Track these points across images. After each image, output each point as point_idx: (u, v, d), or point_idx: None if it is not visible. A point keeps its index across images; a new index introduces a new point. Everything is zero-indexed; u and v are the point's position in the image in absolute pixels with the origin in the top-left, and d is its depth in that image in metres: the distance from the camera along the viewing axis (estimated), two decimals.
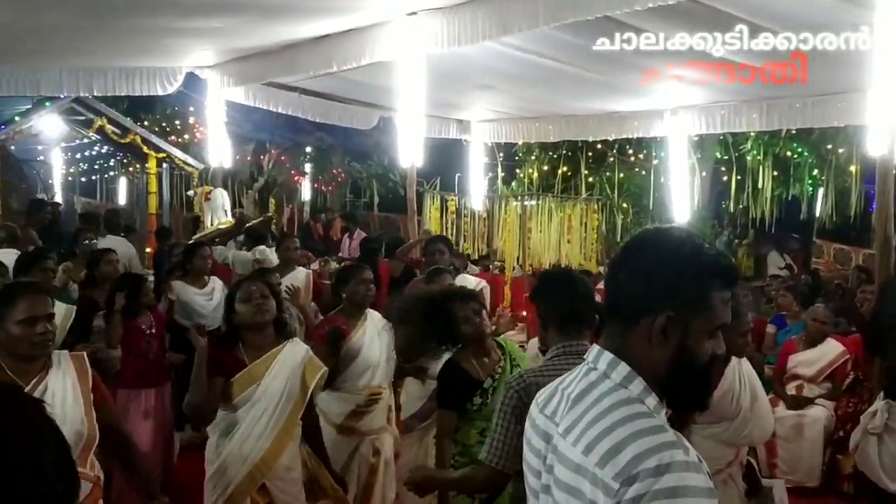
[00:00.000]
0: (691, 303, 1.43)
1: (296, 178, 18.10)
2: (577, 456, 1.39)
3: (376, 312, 4.56)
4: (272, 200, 17.27)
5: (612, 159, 12.88)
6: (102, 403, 2.92)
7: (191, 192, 10.88)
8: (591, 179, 12.97)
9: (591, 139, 10.08)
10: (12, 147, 12.69)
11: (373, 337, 4.37)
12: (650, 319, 1.42)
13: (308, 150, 17.64)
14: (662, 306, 1.41)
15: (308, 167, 18.78)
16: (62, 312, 4.48)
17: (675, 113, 7.74)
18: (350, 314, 4.39)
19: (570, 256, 9.34)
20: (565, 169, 13.08)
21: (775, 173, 11.84)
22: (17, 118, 11.56)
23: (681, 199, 8.31)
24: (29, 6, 5.38)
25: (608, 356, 1.46)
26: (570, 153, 12.96)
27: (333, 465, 4.02)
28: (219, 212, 8.36)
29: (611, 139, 10.67)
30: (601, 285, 7.00)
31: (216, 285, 6.12)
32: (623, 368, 1.43)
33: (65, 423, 2.59)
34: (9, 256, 5.83)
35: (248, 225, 8.90)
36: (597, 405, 1.41)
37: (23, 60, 7.01)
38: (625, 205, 13.04)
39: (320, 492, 3.77)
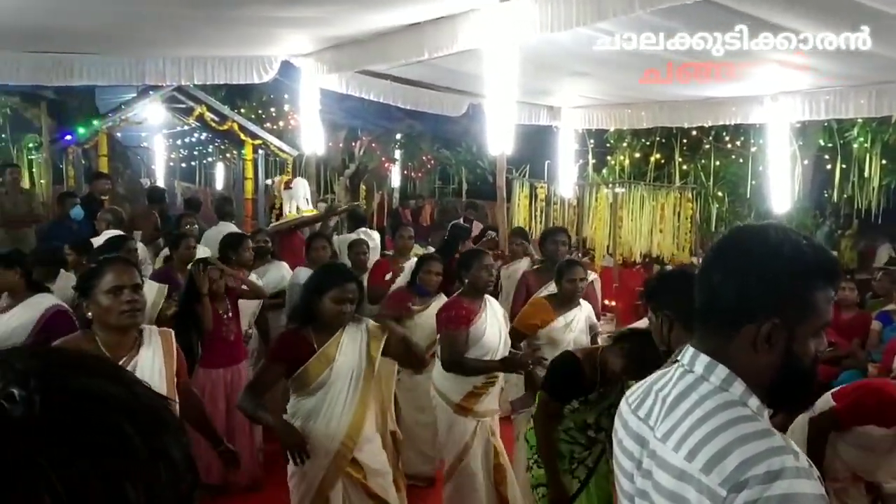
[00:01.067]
0: (796, 308, 1.37)
1: (386, 165, 18.28)
2: (679, 462, 1.35)
3: (494, 299, 4.76)
4: (363, 187, 17.50)
5: (707, 146, 12.49)
6: (181, 374, 3.14)
7: (269, 181, 11.12)
8: (685, 167, 12.61)
9: (685, 126, 9.81)
10: (118, 134, 13.26)
11: (493, 322, 4.49)
12: (754, 327, 1.37)
13: (398, 136, 17.79)
14: (766, 313, 1.36)
15: (397, 154, 18.95)
16: (154, 290, 4.71)
17: (776, 99, 7.43)
18: (472, 298, 4.50)
19: (662, 246, 9.13)
20: (658, 156, 12.75)
21: (884, 161, 11.23)
22: (122, 106, 12.08)
23: (780, 189, 7.99)
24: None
25: (705, 359, 1.42)
26: (663, 140, 12.63)
27: (453, 446, 4.34)
28: (300, 200, 8.51)
29: (707, 126, 10.34)
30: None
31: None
32: (721, 371, 1.39)
33: None
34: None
35: (341, 210, 9.09)
36: (697, 409, 1.37)
37: (129, 51, 7.31)
38: (720, 193, 12.63)
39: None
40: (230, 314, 5.25)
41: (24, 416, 0.59)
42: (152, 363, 2.94)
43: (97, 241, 5.96)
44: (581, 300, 4.85)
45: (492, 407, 4.52)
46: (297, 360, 3.51)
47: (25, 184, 11.71)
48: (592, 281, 5.81)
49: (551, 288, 5.58)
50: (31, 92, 11.85)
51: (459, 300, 4.54)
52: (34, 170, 17.46)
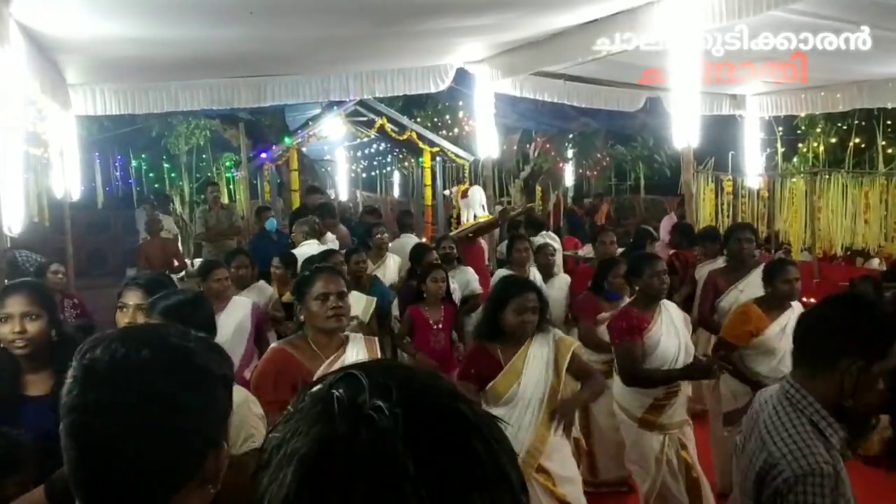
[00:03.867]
0: None
1: (560, 165, 18.16)
2: None
3: (672, 303, 4.49)
4: (538, 188, 17.47)
5: None
6: None
7: (447, 192, 11.32)
8: (889, 151, 11.58)
9: (889, 106, 9.01)
10: (304, 149, 14.03)
11: (670, 329, 4.26)
12: None
13: (571, 136, 17.60)
14: None
15: (570, 153, 18.75)
16: (363, 304, 4.92)
17: None
18: (644, 306, 4.30)
19: (868, 237, 8.43)
20: (858, 140, 11.81)
21: None
22: (309, 122, 12.78)
23: None
24: (327, 23, 5.89)
25: None
26: (863, 123, 11.68)
27: (642, 462, 4.17)
28: (476, 207, 8.60)
29: None
30: None
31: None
32: None
33: None
34: (311, 248, 6.47)
35: (515, 213, 9.11)
36: None
37: (315, 70, 7.75)
38: None
39: None
40: (440, 324, 5.32)
41: (390, 427, 0.66)
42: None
43: (297, 252, 6.31)
44: (791, 302, 4.46)
45: (679, 419, 4.26)
46: (485, 376, 3.55)
47: (225, 200, 12.67)
48: None
49: (740, 287, 5.28)
50: (229, 114, 12.79)
51: (630, 309, 4.32)
52: (232, 187, 18.85)
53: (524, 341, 3.58)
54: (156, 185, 19.31)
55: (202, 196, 12.85)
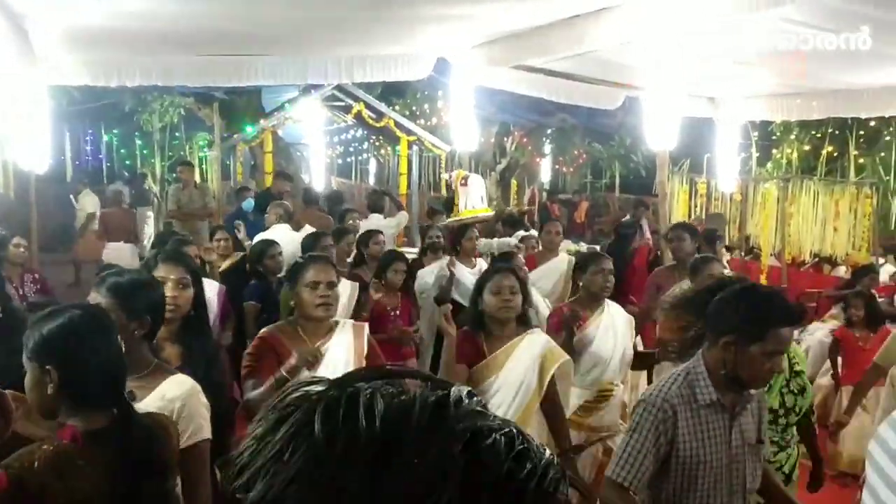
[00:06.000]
0: None
1: (537, 160, 18.19)
2: None
3: (616, 304, 4.38)
4: (514, 182, 17.49)
5: (888, 138, 11.55)
6: (373, 361, 3.28)
7: (446, 175, 11.26)
8: (861, 160, 11.73)
9: (863, 116, 9.10)
10: (280, 132, 13.91)
11: (608, 330, 4.16)
12: None
13: (549, 131, 17.64)
14: None
15: (548, 148, 18.80)
16: (349, 290, 4.87)
17: None
18: (585, 304, 4.22)
19: (836, 245, 8.53)
20: (830, 149, 11.95)
21: None
22: (286, 105, 12.66)
23: None
24: (308, 5, 5.80)
25: None
26: (836, 131, 11.81)
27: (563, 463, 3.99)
28: (475, 197, 8.51)
29: (887, 116, 9.55)
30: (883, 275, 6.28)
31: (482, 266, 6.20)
32: None
33: None
34: (283, 233, 6.40)
35: (506, 213, 9.09)
36: None
37: (293, 51, 7.64)
38: None
39: None
40: (398, 311, 5.28)
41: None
42: (341, 349, 3.21)
43: (266, 235, 6.23)
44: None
45: (610, 422, 4.14)
46: (471, 363, 3.52)
47: (197, 180, 12.51)
48: None
49: (684, 286, 5.26)
50: (204, 93, 12.64)
51: (562, 307, 4.29)
52: (205, 166, 18.62)
53: (509, 332, 3.52)
54: (127, 162, 19.03)
55: (174, 174, 12.68)
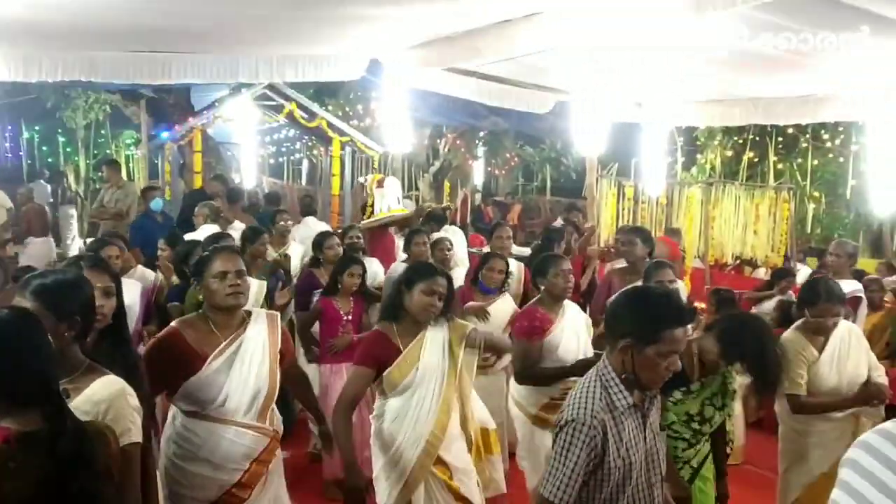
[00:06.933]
0: None
1: (469, 162, 18.30)
2: None
3: (575, 305, 4.53)
4: (447, 184, 17.56)
5: (805, 145, 12.02)
6: (287, 354, 3.32)
7: (363, 179, 11.25)
8: (780, 166, 12.18)
9: (781, 123, 9.46)
10: (210, 131, 13.66)
11: (571, 331, 4.32)
12: None
13: (481, 133, 17.79)
14: None
15: (481, 151, 18.94)
16: (255, 288, 4.83)
17: (880, 95, 7.05)
18: (548, 306, 4.35)
19: (756, 248, 8.83)
20: (752, 154, 12.37)
21: None
22: (216, 104, 12.44)
23: (884, 189, 7.56)
24: (238, 1, 5.72)
25: None
26: (757, 138, 12.24)
27: (533, 461, 4.23)
28: (391, 199, 8.55)
29: (804, 123, 9.95)
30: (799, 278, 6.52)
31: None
32: None
33: (251, 376, 3.09)
34: (211, 233, 6.30)
35: (429, 211, 9.11)
36: None
37: (224, 50, 7.52)
38: (817, 194, 12.16)
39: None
40: (350, 315, 5.28)
41: None
42: (257, 342, 3.18)
43: (195, 236, 6.13)
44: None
45: None
46: (383, 362, 3.50)
47: (125, 178, 12.19)
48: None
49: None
50: (131, 90, 12.32)
51: (535, 309, 4.35)
52: (132, 165, 18.15)
53: (422, 328, 3.56)
54: (49, 160, 18.45)
55: (99, 173, 12.36)
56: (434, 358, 3.52)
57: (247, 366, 3.10)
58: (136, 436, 2.21)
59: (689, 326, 4.36)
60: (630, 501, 2.46)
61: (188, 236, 6.23)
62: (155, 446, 3.14)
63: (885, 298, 6.57)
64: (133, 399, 2.27)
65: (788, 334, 4.12)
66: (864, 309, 5.66)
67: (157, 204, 8.44)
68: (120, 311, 2.70)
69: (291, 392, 3.46)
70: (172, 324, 3.22)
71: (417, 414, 3.46)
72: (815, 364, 4.01)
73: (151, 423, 2.90)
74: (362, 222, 7.82)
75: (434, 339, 3.56)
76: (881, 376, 4.15)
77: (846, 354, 4.07)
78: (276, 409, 3.31)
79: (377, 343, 3.56)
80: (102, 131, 17.38)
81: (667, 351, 2.36)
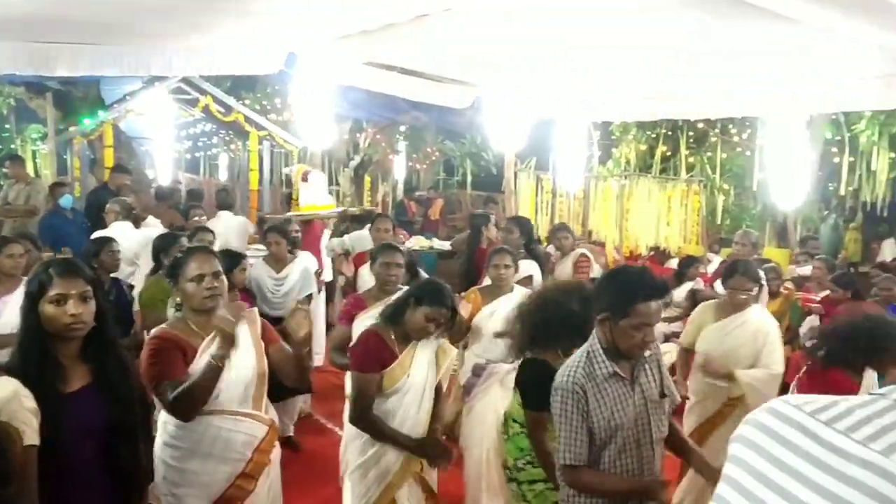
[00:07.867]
0: None
1: (390, 157, 18.27)
2: None
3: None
4: (367, 179, 17.49)
5: (714, 139, 12.46)
6: (272, 342, 3.29)
7: (287, 170, 11.13)
8: (691, 160, 12.59)
9: (691, 118, 9.77)
10: (122, 125, 13.26)
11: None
12: None
13: (402, 128, 17.78)
14: None
15: (402, 146, 18.94)
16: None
17: (784, 91, 7.36)
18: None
19: (669, 239, 9.12)
20: (664, 149, 12.74)
21: (892, 155, 11.18)
22: (127, 97, 12.07)
23: (786, 183, 7.92)
24: None
25: None
26: (669, 132, 12.61)
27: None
28: (315, 193, 8.50)
29: (713, 118, 10.31)
30: (711, 267, 6.82)
31: (293, 269, 6.12)
32: None
33: (240, 371, 3.07)
34: (123, 231, 6.12)
35: (352, 213, 9.10)
36: None
37: (135, 41, 7.26)
38: (726, 186, 12.62)
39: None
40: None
41: None
42: (243, 336, 3.12)
43: (107, 233, 5.94)
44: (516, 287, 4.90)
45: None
46: (384, 364, 3.53)
47: (32, 174, 11.72)
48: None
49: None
50: (37, 82, 11.85)
51: (363, 298, 4.54)
52: (38, 160, 17.45)
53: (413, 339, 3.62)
54: None
55: (3, 169, 11.83)
56: (423, 369, 3.58)
57: (233, 361, 3.03)
58: (32, 438, 2.15)
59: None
60: (615, 458, 2.69)
61: (98, 234, 6.04)
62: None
63: (786, 286, 6.85)
64: (28, 401, 2.20)
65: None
66: (764, 296, 5.92)
67: (66, 200, 8.15)
68: (101, 313, 2.59)
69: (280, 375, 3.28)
70: (159, 329, 3.14)
71: (406, 414, 3.52)
72: (707, 329, 4.52)
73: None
74: (289, 213, 7.77)
75: (424, 350, 3.62)
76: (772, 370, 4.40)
77: (740, 335, 4.43)
78: (270, 404, 3.31)
79: (377, 346, 3.58)
80: (6, 126, 16.69)
81: (638, 323, 2.65)
